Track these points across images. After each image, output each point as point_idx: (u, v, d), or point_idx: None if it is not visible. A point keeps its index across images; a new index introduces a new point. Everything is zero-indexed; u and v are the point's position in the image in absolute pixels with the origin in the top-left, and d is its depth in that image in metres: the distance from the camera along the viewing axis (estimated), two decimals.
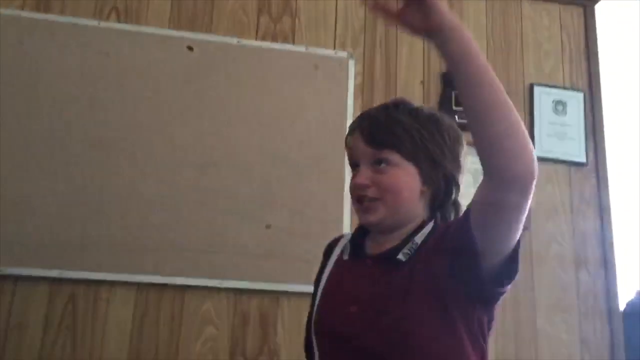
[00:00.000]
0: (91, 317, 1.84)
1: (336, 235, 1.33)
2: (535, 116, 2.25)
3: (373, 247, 1.20)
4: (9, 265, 1.81)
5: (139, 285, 1.88)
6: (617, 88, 2.40)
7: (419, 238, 1.14)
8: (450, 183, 1.18)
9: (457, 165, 1.18)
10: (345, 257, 1.23)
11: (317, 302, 1.23)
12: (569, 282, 2.14)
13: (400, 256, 1.13)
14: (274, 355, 1.90)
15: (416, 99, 2.20)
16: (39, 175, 1.88)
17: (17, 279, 1.81)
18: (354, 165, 1.20)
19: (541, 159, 2.21)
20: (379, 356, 1.07)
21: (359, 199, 1.17)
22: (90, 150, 1.93)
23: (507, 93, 0.94)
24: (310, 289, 1.41)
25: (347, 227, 1.99)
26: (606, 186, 2.24)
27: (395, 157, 1.15)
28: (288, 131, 2.06)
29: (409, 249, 1.14)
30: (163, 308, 1.88)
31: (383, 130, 1.16)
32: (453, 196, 1.19)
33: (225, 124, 2.03)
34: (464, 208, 1.13)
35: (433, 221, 1.17)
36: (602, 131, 2.30)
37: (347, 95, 2.14)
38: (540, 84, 2.29)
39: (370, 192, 1.15)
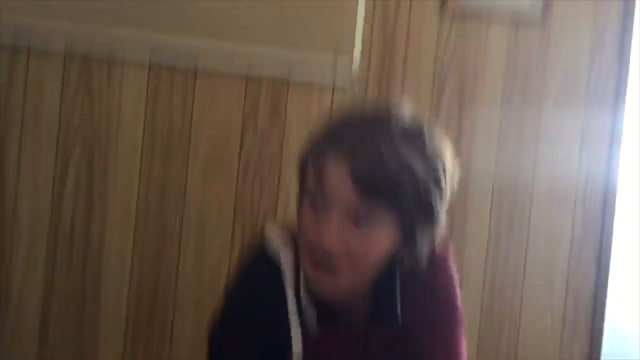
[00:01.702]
0: (106, 84, 1.88)
1: None
2: None
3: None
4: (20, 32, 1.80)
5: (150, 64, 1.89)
6: None
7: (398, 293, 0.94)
8: (431, 245, 0.92)
9: (442, 224, 0.91)
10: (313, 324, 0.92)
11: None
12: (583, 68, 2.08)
13: (399, 319, 0.94)
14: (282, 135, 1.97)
15: None
16: None
17: (30, 51, 1.83)
18: (314, 201, 0.86)
19: None
20: None
21: (317, 260, 0.85)
22: None
23: None
24: None
25: None
26: None
27: (387, 219, 0.83)
28: None
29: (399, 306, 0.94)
30: (175, 91, 1.91)
31: (387, 178, 0.81)
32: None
33: None
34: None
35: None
36: None
37: None
38: None
39: (336, 259, 0.84)
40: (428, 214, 0.86)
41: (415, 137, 0.85)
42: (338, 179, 0.81)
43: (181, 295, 1.92)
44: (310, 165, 0.87)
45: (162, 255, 1.92)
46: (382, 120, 0.86)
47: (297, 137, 1.91)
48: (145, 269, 1.91)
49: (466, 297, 1.96)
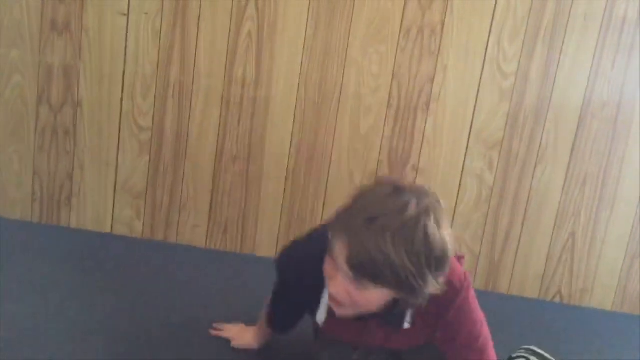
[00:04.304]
0: None
1: None
2: None
3: None
4: None
5: None
6: None
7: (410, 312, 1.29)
8: (424, 298, 1.18)
9: (435, 286, 1.16)
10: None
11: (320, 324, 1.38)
12: None
13: (407, 325, 1.31)
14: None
15: None
16: None
17: None
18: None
19: None
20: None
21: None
22: None
23: None
24: None
25: None
26: None
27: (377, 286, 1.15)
28: None
29: (411, 317, 1.29)
30: None
31: (372, 269, 1.10)
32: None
33: None
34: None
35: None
36: None
37: None
38: None
39: (344, 303, 1.19)
40: (411, 289, 1.13)
41: (408, 235, 1.09)
42: (340, 256, 1.13)
43: (336, 155, 2.10)
44: (330, 232, 1.18)
45: (320, 119, 2.06)
46: (387, 215, 1.10)
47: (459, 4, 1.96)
48: (305, 129, 2.07)
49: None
